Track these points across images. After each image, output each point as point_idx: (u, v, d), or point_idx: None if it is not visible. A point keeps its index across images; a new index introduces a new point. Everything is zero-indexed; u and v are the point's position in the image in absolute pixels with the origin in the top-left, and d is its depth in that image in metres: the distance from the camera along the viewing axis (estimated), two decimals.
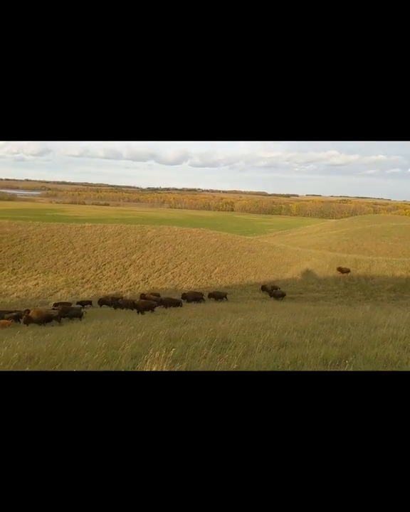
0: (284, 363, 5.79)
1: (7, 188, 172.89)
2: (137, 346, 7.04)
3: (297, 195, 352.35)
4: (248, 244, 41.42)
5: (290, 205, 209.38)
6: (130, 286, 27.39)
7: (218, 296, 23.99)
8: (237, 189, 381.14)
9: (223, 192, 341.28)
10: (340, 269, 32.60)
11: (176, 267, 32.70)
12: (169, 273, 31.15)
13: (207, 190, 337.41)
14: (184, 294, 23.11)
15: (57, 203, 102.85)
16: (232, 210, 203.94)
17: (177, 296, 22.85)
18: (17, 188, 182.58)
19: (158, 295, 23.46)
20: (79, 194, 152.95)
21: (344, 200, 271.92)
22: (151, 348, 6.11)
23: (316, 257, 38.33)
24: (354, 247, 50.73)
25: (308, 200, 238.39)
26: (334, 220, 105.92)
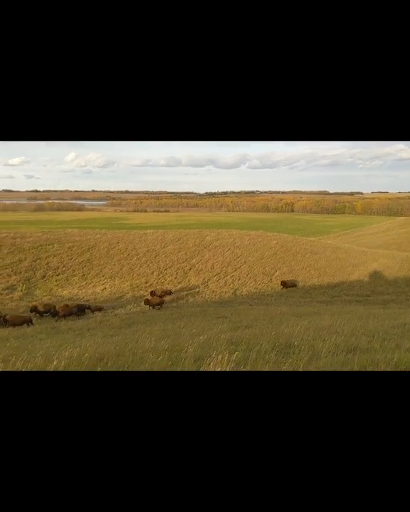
0: (352, 369, 5.50)
1: (76, 199, 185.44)
2: (199, 349, 7.12)
3: (362, 193, 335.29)
4: (310, 246, 40.16)
5: (355, 203, 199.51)
6: (191, 290, 27.84)
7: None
8: (297, 189, 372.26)
9: (283, 193, 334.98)
10: None
11: (236, 270, 32.65)
12: (229, 276, 31.18)
13: (265, 192, 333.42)
14: (148, 297, 23.42)
15: (121, 211, 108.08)
16: (292, 210, 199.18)
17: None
18: (85, 199, 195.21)
19: (170, 292, 25.23)
20: (141, 202, 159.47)
21: None
22: (214, 351, 6.14)
23: (384, 257, 36.06)
24: None
25: (374, 198, 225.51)
26: (403, 218, 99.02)
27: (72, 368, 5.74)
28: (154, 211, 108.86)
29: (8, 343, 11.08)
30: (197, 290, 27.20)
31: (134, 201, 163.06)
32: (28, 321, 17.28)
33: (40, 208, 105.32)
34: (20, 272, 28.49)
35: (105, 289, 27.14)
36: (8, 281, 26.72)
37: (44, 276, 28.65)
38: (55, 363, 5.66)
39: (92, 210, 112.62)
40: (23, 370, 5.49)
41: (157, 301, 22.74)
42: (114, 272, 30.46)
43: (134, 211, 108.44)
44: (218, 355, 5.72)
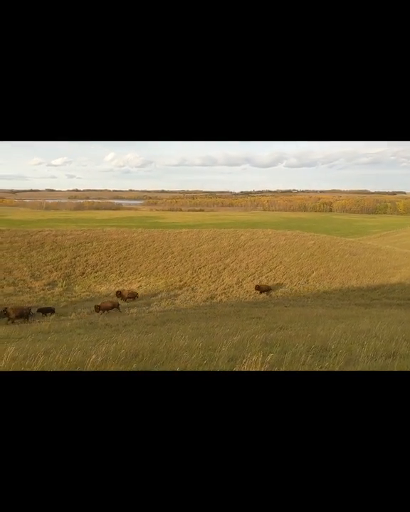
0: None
1: (115, 198, 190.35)
2: (233, 349, 7.10)
3: (405, 192, 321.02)
4: (349, 247, 38.97)
5: (397, 203, 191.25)
6: (224, 289, 27.81)
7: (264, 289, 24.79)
8: (336, 188, 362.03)
9: (321, 192, 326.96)
10: None
11: (271, 270, 32.26)
12: (263, 277, 30.87)
13: (303, 191, 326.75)
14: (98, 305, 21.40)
15: (157, 210, 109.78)
16: (330, 210, 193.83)
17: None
18: (122, 198, 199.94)
19: (136, 295, 23.77)
20: (176, 201, 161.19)
21: None
22: (248, 352, 6.10)
23: None
24: None
25: None
26: None
27: (109, 363, 5.90)
28: (189, 210, 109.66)
29: (49, 336, 11.55)
30: (231, 290, 27.10)
31: (169, 200, 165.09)
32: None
33: (80, 207, 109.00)
34: (61, 269, 29.62)
35: (141, 286, 27.68)
36: (49, 278, 27.86)
37: (83, 273, 29.63)
38: (93, 357, 5.84)
39: (129, 209, 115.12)
40: (64, 363, 5.70)
41: (109, 305, 20.61)
42: (150, 270, 31.00)
43: (170, 210, 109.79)
44: (252, 356, 5.68)
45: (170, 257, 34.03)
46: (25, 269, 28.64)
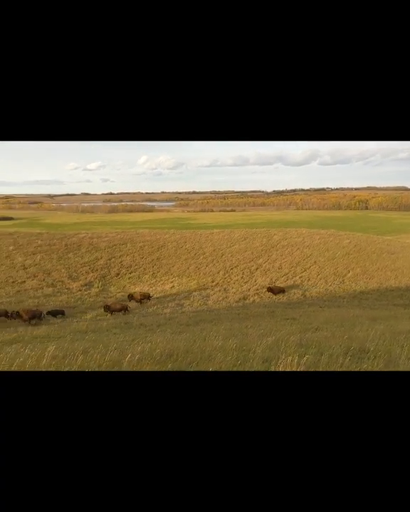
0: None
1: (147, 200, 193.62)
2: (267, 350, 7.03)
3: None
4: (387, 245, 37.61)
5: None
6: (257, 290, 27.59)
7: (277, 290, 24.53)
8: (372, 185, 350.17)
9: (356, 189, 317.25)
10: None
11: (305, 271, 31.68)
12: (297, 277, 30.35)
13: (337, 189, 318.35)
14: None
15: (188, 211, 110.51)
16: (366, 208, 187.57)
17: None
18: (155, 200, 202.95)
19: (148, 296, 23.35)
20: (207, 202, 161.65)
21: None
22: (283, 354, 6.02)
23: None
24: None
25: None
26: None
27: (144, 363, 6.00)
28: (220, 211, 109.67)
29: (87, 336, 11.91)
30: (263, 290, 26.83)
31: (201, 201, 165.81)
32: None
33: (114, 210, 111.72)
34: (97, 270, 30.48)
35: (173, 287, 27.97)
36: (86, 278, 28.73)
37: (118, 274, 30.34)
38: (129, 356, 5.96)
39: (161, 210, 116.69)
40: (102, 362, 5.87)
41: (118, 307, 20.67)
42: (182, 271, 31.28)
43: (201, 211, 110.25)
44: (287, 358, 5.60)
45: (202, 257, 34.18)
46: (63, 270, 29.69)
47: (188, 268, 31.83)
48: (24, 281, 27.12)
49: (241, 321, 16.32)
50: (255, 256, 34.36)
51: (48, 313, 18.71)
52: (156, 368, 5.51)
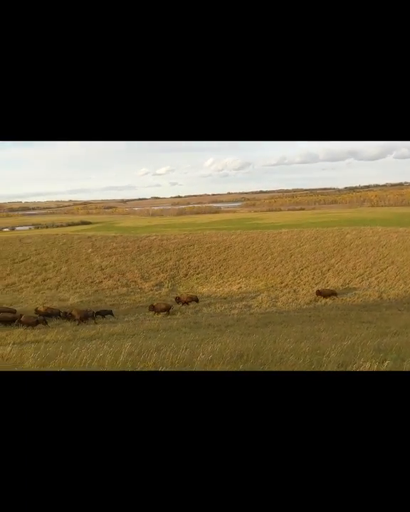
0: None
1: (213, 202, 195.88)
2: (343, 355, 6.68)
3: None
4: None
5: None
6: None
7: None
8: None
9: None
10: None
11: (381, 271, 29.67)
12: (373, 278, 28.52)
13: None
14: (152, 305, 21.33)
15: (255, 211, 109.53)
16: None
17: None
18: (221, 202, 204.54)
19: (195, 298, 22.95)
20: (275, 201, 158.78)
21: None
22: (361, 358, 5.68)
23: None
24: None
25: None
26: None
27: (215, 363, 6.04)
28: (288, 210, 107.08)
29: (159, 334, 12.35)
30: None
31: (268, 200, 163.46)
32: (42, 322, 17.51)
33: (181, 212, 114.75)
34: (167, 271, 31.52)
35: (241, 288, 27.89)
36: (157, 279, 29.86)
37: (186, 275, 31.08)
38: (200, 356, 6.05)
39: (228, 211, 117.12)
40: (174, 360, 6.02)
41: (163, 307, 20.97)
42: (249, 272, 31.08)
43: (268, 210, 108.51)
44: (365, 363, 5.27)
45: (270, 258, 33.65)
46: (136, 271, 31.18)
47: (255, 269, 31.56)
48: (101, 281, 28.96)
49: (313, 323, 15.75)
50: (326, 256, 32.99)
51: (97, 313, 19.59)
52: (227, 369, 5.51)
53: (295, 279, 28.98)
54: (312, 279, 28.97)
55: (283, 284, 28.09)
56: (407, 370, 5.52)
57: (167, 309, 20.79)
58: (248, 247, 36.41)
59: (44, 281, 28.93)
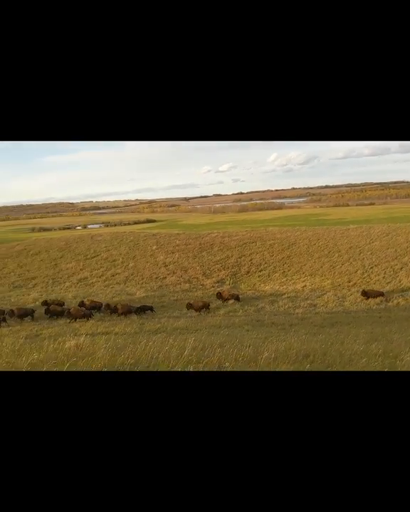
0: None
1: (276, 198, 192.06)
2: None
3: None
4: None
5: None
6: (403, 291, 24.66)
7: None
8: None
9: None
10: None
11: None
12: None
13: None
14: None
15: (321, 207, 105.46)
16: None
17: None
18: (285, 197, 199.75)
19: (237, 296, 22.27)
20: (342, 196, 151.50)
21: None
22: None
23: None
24: None
25: None
26: None
27: (280, 361, 5.92)
28: (356, 205, 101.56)
29: (221, 331, 12.43)
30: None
31: (334, 195, 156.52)
32: (88, 315, 18.31)
33: (243, 209, 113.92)
34: (228, 268, 31.60)
35: (306, 286, 27.08)
36: (218, 276, 30.07)
37: (248, 272, 30.90)
38: (265, 354, 5.96)
39: (291, 207, 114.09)
40: (238, 357, 6.01)
41: (200, 305, 20.74)
42: (315, 270, 30.04)
43: (335, 206, 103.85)
44: None
45: (337, 255, 32.23)
46: (197, 268, 31.68)
47: (321, 267, 30.43)
48: (165, 278, 29.87)
49: (383, 324, 14.84)
50: (399, 254, 30.80)
51: (138, 308, 20.14)
52: (292, 368, 5.37)
53: (364, 278, 27.46)
54: (383, 278, 27.24)
55: (351, 283, 26.76)
56: None
57: (205, 307, 20.93)
58: (314, 244, 35.20)
59: (113, 276, 30.55)
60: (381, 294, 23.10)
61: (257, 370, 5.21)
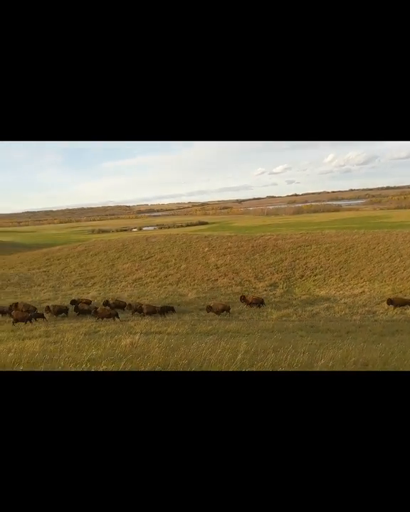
0: None
1: (333, 199, 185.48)
2: None
3: None
4: None
5: None
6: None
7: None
8: None
9: None
10: None
11: None
12: None
13: None
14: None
15: (381, 209, 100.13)
16: None
17: None
18: (342, 199, 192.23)
19: (261, 301, 21.36)
20: (405, 198, 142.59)
21: None
22: None
23: None
24: None
25: None
26: None
27: (336, 369, 5.68)
28: None
29: (274, 335, 12.19)
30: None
31: (396, 197, 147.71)
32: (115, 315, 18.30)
33: (298, 211, 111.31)
34: (281, 271, 30.96)
35: (364, 292, 25.79)
36: (271, 279, 29.58)
37: (302, 276, 30.06)
38: (322, 361, 5.75)
39: (349, 209, 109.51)
40: (292, 362, 5.85)
41: (220, 307, 20.00)
42: (374, 275, 28.52)
43: (397, 208, 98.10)
44: None
45: (398, 260, 30.35)
46: (249, 270, 31.40)
47: (381, 272, 28.83)
48: (217, 279, 29.95)
49: None
50: None
51: (162, 309, 20.30)
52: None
53: None
54: None
55: None
56: None
57: (225, 310, 20.51)
58: (373, 248, 33.46)
59: (166, 277, 31.22)
60: (408, 303, 21.58)
61: (258, 370, 5.16)
